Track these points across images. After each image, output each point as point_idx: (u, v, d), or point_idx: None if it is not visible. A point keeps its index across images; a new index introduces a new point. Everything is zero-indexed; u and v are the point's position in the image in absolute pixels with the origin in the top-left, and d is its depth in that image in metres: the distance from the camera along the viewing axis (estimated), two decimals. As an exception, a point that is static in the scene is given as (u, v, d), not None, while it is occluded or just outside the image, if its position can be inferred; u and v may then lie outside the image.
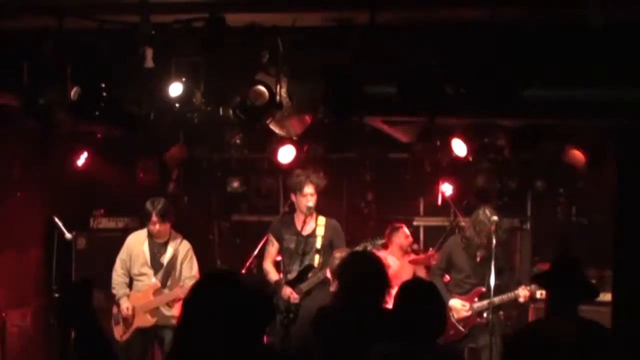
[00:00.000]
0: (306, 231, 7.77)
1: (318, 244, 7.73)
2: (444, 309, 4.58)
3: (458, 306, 7.82)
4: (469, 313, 7.79)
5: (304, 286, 7.51)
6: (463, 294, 7.88)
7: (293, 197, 7.93)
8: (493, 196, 9.30)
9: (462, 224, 8.94)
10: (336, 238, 7.79)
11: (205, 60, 6.27)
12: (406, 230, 8.98)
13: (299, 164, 8.63)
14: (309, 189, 7.71)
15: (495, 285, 7.42)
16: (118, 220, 9.29)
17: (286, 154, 8.91)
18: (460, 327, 7.83)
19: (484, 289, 7.74)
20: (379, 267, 5.20)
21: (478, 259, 7.86)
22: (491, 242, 7.56)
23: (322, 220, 7.84)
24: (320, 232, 7.78)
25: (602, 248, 8.29)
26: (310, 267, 7.64)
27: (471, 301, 7.82)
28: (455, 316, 7.81)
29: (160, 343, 7.94)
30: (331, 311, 5.32)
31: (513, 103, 5.92)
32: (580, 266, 5.03)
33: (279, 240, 7.91)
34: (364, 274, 5.14)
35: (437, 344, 4.43)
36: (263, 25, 6.12)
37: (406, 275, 8.54)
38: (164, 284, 7.81)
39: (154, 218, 7.74)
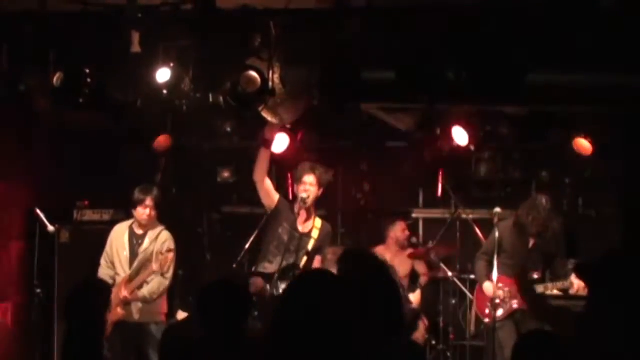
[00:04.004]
0: (303, 229, 7.69)
1: (310, 246, 7.64)
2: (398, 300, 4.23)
3: (490, 289, 7.79)
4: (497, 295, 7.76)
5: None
6: (511, 276, 7.88)
7: (295, 189, 7.88)
8: (496, 187, 9.35)
9: (463, 215, 9.00)
10: (325, 246, 7.64)
11: (195, 44, 6.30)
12: (403, 224, 9.02)
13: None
14: (308, 178, 7.60)
15: (548, 274, 7.45)
16: (103, 212, 9.20)
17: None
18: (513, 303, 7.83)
19: (536, 276, 7.78)
20: None
21: (530, 245, 7.91)
22: (547, 233, 7.68)
23: (318, 222, 7.75)
24: (315, 234, 7.68)
25: (610, 241, 8.33)
26: (295, 266, 7.53)
27: (514, 284, 7.84)
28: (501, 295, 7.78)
29: (143, 340, 7.86)
30: None
31: (517, 89, 5.96)
32: None
33: (277, 219, 7.75)
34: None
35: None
36: (255, 8, 6.15)
37: (403, 271, 8.59)
38: (134, 274, 7.73)
39: (149, 202, 7.68)
